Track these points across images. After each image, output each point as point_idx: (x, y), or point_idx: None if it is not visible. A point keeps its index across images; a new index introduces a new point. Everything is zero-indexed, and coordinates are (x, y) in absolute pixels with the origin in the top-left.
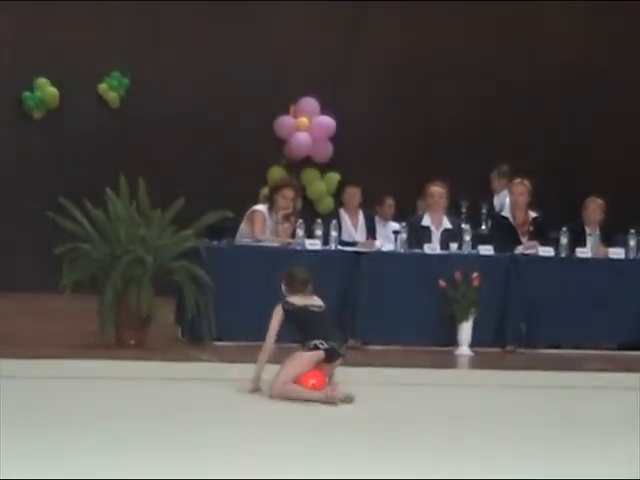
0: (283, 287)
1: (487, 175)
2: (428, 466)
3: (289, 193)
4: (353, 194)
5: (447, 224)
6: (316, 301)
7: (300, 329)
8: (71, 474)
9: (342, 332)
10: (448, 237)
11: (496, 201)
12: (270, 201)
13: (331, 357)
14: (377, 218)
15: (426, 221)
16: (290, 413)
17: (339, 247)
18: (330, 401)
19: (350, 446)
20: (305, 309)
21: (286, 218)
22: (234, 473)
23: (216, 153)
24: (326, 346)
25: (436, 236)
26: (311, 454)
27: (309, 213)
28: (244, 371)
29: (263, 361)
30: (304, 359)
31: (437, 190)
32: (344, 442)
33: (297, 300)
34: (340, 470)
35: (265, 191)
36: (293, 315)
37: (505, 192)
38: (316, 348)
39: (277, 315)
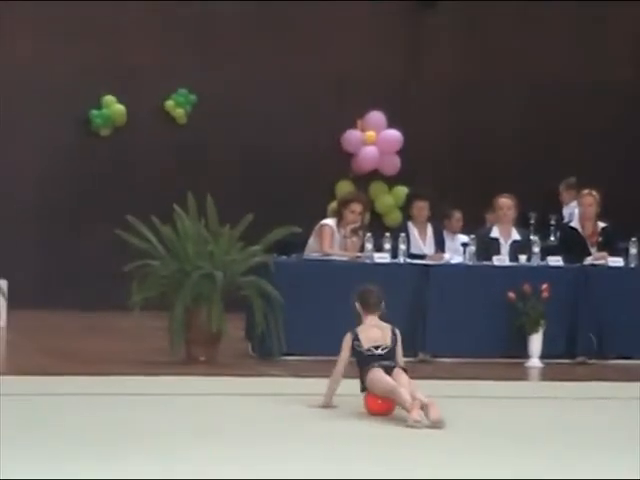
0: (357, 305)
1: (555, 187)
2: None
3: (357, 207)
4: (422, 207)
5: (516, 236)
6: (385, 339)
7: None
8: None
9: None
10: (517, 249)
11: (565, 212)
12: (338, 215)
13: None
14: (445, 232)
15: (495, 233)
16: (357, 429)
17: (408, 260)
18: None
19: (421, 461)
20: (369, 352)
21: (354, 232)
22: None
23: (284, 169)
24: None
25: (505, 248)
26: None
27: (377, 227)
28: (314, 386)
29: (333, 389)
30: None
31: (506, 202)
32: (409, 455)
33: (365, 339)
34: None
35: (333, 205)
36: (356, 352)
37: (574, 203)
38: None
39: (347, 345)
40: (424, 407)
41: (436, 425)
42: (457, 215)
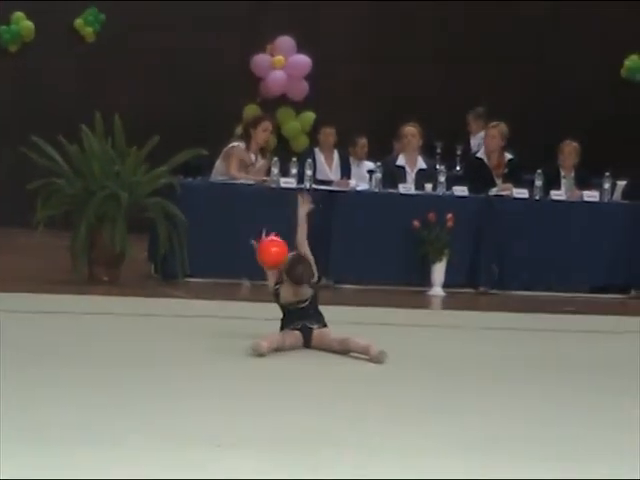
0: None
1: (463, 117)
2: (407, 412)
3: (269, 125)
4: (328, 134)
5: (422, 164)
6: (305, 294)
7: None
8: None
9: (321, 314)
10: (423, 178)
11: (473, 143)
12: (247, 137)
13: (307, 335)
14: (351, 159)
15: (401, 161)
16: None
17: (314, 186)
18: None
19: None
20: (291, 306)
21: (263, 153)
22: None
23: (191, 92)
24: (298, 326)
25: (411, 176)
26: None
27: (284, 152)
28: (216, 308)
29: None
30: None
31: (410, 130)
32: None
33: (286, 294)
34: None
35: (239, 130)
36: (278, 303)
37: (481, 134)
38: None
39: (272, 277)
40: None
41: (382, 357)
42: (362, 141)
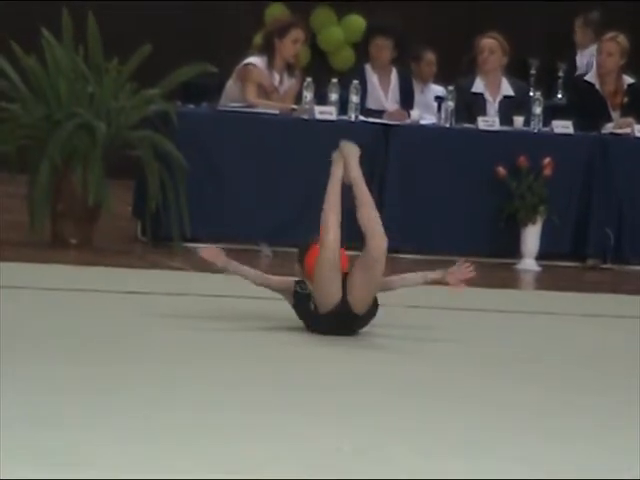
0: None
1: (568, 25)
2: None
3: (300, 35)
4: (383, 46)
5: (508, 90)
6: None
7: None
8: None
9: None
10: (510, 108)
11: (579, 60)
12: (270, 51)
13: None
14: (414, 81)
15: (478, 86)
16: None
17: (361, 118)
18: None
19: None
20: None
21: (291, 73)
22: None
23: None
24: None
25: (492, 107)
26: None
27: (321, 70)
28: (225, 284)
29: (244, 274)
30: None
31: (489, 43)
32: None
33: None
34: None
35: (259, 39)
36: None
37: (592, 49)
38: None
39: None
40: None
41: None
42: (429, 57)
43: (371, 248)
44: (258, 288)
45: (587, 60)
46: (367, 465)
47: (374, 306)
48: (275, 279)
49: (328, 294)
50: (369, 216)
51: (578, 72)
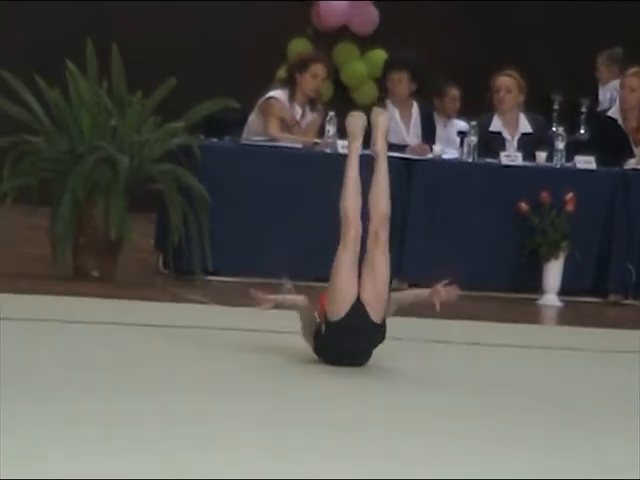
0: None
1: (591, 61)
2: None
3: (320, 70)
4: (399, 80)
5: (526, 127)
6: None
7: None
8: None
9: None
10: (529, 145)
11: (602, 96)
12: (292, 84)
13: None
14: (436, 115)
15: (496, 125)
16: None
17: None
18: None
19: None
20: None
21: (313, 105)
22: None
23: (221, 17)
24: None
25: (512, 145)
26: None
27: (344, 104)
28: (247, 317)
29: (291, 306)
30: None
31: (504, 81)
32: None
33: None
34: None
35: (282, 72)
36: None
37: (615, 83)
38: None
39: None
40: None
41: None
42: (454, 93)
43: (374, 216)
44: (281, 323)
45: (610, 95)
46: None
47: (384, 325)
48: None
49: (345, 298)
50: (378, 200)
51: (600, 107)
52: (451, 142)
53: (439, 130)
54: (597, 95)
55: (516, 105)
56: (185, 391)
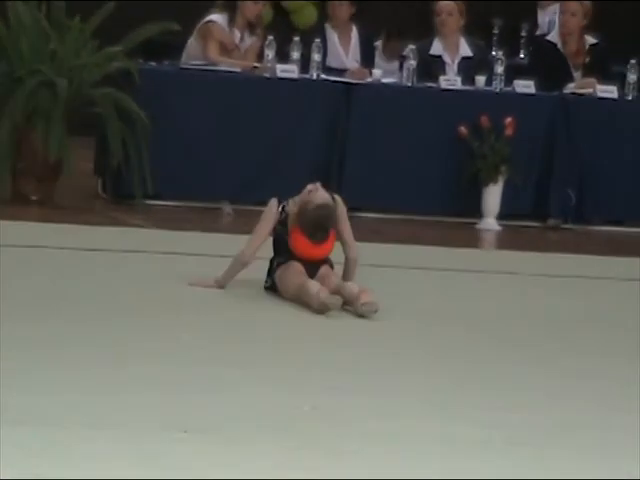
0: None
1: None
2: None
3: None
4: (340, 3)
5: (466, 51)
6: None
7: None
8: None
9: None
10: (469, 69)
11: (540, 19)
12: (230, 8)
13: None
14: (378, 52)
15: (436, 48)
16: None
17: (323, 76)
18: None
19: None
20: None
21: (252, 31)
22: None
23: None
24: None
25: (452, 69)
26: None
27: (283, 28)
28: (186, 241)
29: (236, 271)
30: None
31: (446, 5)
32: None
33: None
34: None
35: None
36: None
37: (554, 7)
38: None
39: (270, 217)
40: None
41: (366, 309)
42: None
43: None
44: (217, 246)
45: (549, 19)
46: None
47: None
48: (255, 238)
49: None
50: None
51: (540, 31)
52: (392, 72)
53: (381, 62)
54: (536, 19)
55: (457, 29)
56: (122, 315)
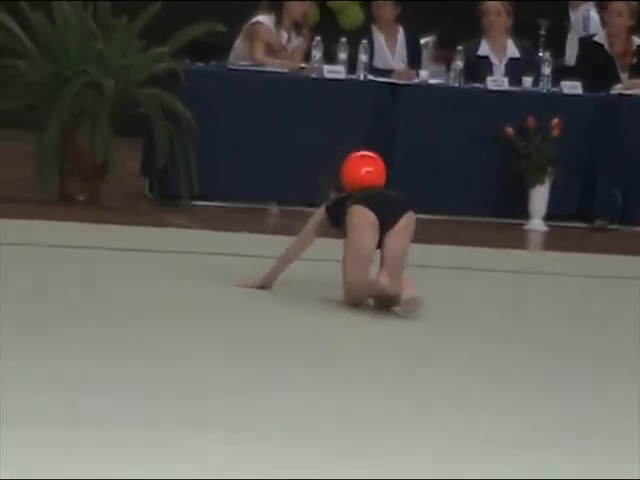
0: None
1: None
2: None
3: None
4: (385, 4)
5: (514, 52)
6: None
7: None
8: None
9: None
10: (516, 70)
11: (573, 17)
12: (278, 9)
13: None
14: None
15: (483, 49)
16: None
17: (370, 77)
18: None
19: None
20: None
21: (299, 30)
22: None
23: None
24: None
25: (499, 69)
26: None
27: (330, 29)
28: (232, 242)
29: (279, 270)
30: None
31: (493, 5)
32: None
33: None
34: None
35: None
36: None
37: (586, 5)
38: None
39: (317, 218)
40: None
41: (408, 306)
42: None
43: None
44: (263, 247)
45: (583, 15)
46: None
47: None
48: (306, 230)
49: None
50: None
51: (573, 29)
52: (438, 74)
53: (428, 64)
54: (569, 18)
55: (505, 29)
56: (170, 313)
